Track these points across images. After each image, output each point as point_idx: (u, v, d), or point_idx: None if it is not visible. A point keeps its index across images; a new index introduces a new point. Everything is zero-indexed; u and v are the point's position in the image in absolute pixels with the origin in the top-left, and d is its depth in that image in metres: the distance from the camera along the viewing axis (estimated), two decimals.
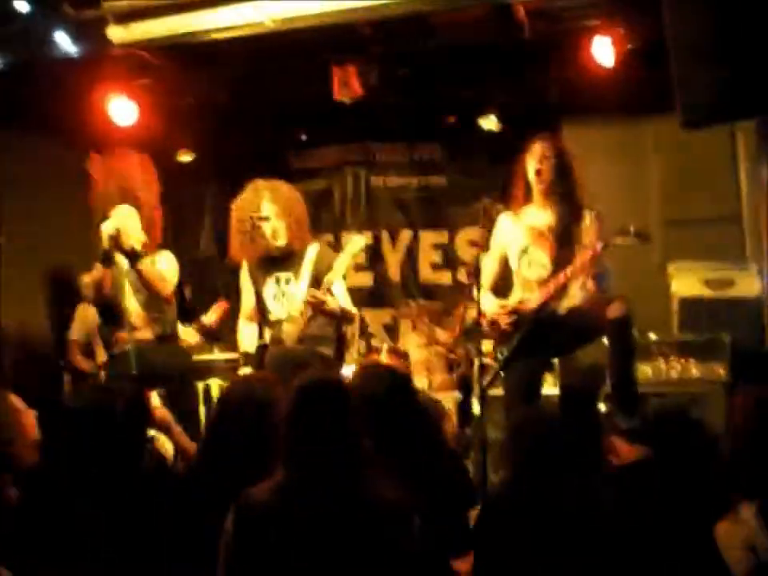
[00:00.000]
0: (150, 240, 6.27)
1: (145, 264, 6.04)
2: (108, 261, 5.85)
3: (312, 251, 6.22)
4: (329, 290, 6.01)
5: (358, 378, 4.12)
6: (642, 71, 7.17)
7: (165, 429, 4.72)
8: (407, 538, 3.03)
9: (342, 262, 6.02)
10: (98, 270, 6.02)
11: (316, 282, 6.08)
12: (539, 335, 5.60)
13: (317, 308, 5.96)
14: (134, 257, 5.96)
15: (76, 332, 7.61)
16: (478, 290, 5.53)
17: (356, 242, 6.12)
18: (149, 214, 6.33)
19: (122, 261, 6.02)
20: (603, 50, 7.06)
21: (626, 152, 8.20)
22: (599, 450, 4.55)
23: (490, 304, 5.77)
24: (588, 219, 5.62)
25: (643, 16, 6.77)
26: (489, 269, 5.89)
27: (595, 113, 8.13)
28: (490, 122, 8.58)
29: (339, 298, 6.18)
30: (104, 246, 5.86)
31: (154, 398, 5.05)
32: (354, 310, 6.38)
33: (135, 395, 3.67)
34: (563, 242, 5.61)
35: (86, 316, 7.53)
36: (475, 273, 5.60)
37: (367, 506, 3.03)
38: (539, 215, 5.74)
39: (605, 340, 5.73)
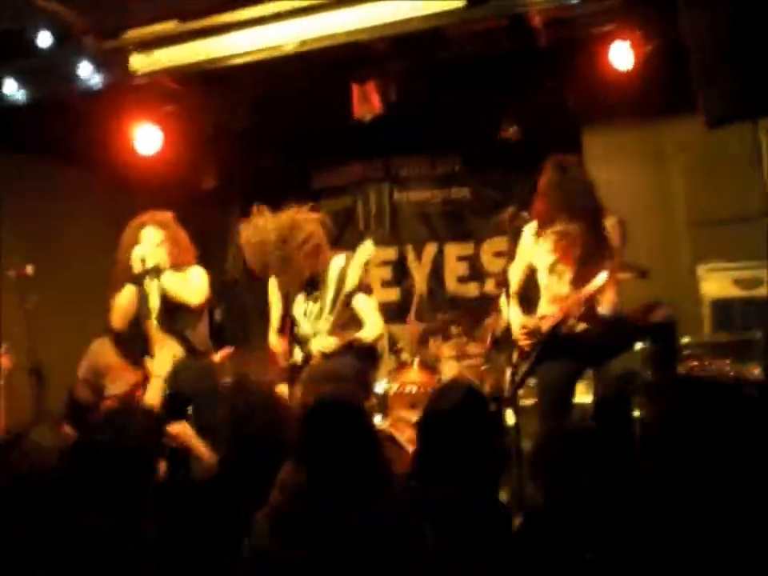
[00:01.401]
0: (180, 259, 6.29)
1: (173, 277, 6.07)
2: (139, 283, 5.90)
3: (336, 266, 6.24)
4: (348, 305, 6.04)
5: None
6: (661, 73, 7.15)
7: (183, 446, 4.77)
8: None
9: (355, 271, 6.04)
10: (129, 293, 6.07)
11: (338, 299, 6.11)
12: (561, 351, 5.62)
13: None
14: (159, 273, 6.01)
15: (82, 369, 7.64)
16: (507, 299, 5.56)
17: (365, 249, 6.13)
18: (174, 234, 6.35)
19: (149, 283, 6.07)
20: (620, 55, 7.07)
21: (649, 155, 8.19)
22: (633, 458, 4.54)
23: (514, 317, 5.80)
24: (609, 227, 5.61)
25: (659, 17, 6.79)
26: (515, 279, 5.91)
27: (616, 117, 8.12)
28: (509, 132, 8.57)
29: (363, 311, 6.19)
30: (135, 270, 5.92)
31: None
32: (377, 325, 6.35)
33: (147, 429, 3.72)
34: (587, 256, 5.61)
35: (97, 353, 7.59)
36: (504, 282, 5.62)
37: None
38: (563, 230, 5.73)
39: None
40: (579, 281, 5.59)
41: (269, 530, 3.13)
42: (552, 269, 5.76)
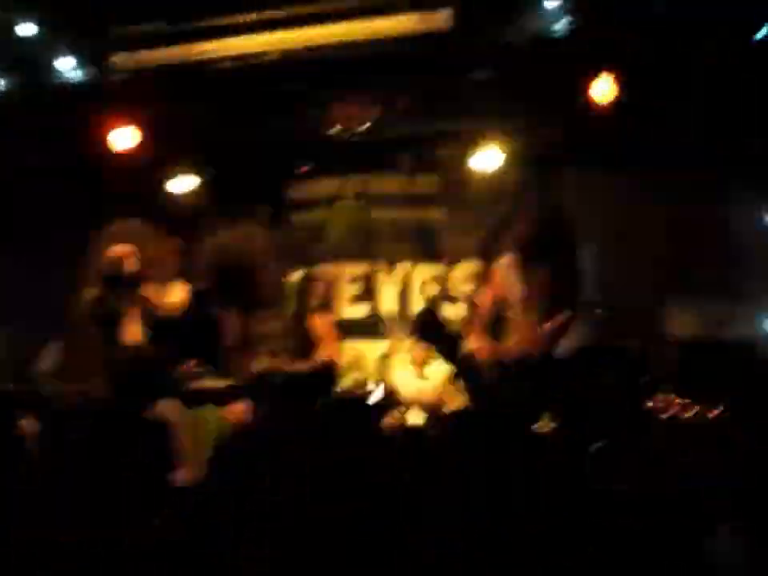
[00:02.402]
0: (159, 270, 6.23)
1: (148, 290, 5.99)
2: (111, 283, 5.82)
3: (294, 282, 6.21)
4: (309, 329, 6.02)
5: None
6: (644, 110, 7.19)
7: None
8: None
9: (317, 293, 6.04)
10: (98, 290, 5.98)
11: (299, 316, 6.09)
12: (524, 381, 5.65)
13: None
14: (135, 281, 5.92)
15: (43, 363, 7.58)
16: (477, 323, 5.57)
17: (329, 272, 6.14)
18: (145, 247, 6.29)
19: (124, 285, 5.98)
20: (604, 89, 7.10)
21: (626, 190, 8.19)
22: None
23: (480, 345, 5.82)
24: (585, 263, 5.65)
25: (644, 52, 6.83)
26: (485, 305, 5.93)
27: (594, 151, 8.12)
28: (487, 158, 8.57)
29: (320, 334, 6.17)
30: (107, 270, 5.85)
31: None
32: (333, 348, 6.33)
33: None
34: (557, 291, 5.64)
35: (55, 350, 7.56)
36: (473, 307, 5.64)
37: None
38: (538, 264, 5.75)
39: None
40: (549, 315, 5.61)
41: None
42: (522, 302, 5.78)
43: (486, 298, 6.01)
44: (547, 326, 5.58)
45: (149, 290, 6.02)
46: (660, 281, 7.73)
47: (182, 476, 4.46)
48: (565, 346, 5.59)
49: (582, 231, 5.81)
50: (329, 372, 6.28)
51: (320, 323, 6.08)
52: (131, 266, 5.81)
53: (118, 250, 5.77)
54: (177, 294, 6.26)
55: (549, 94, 7.52)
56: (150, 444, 5.09)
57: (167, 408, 4.94)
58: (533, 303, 5.75)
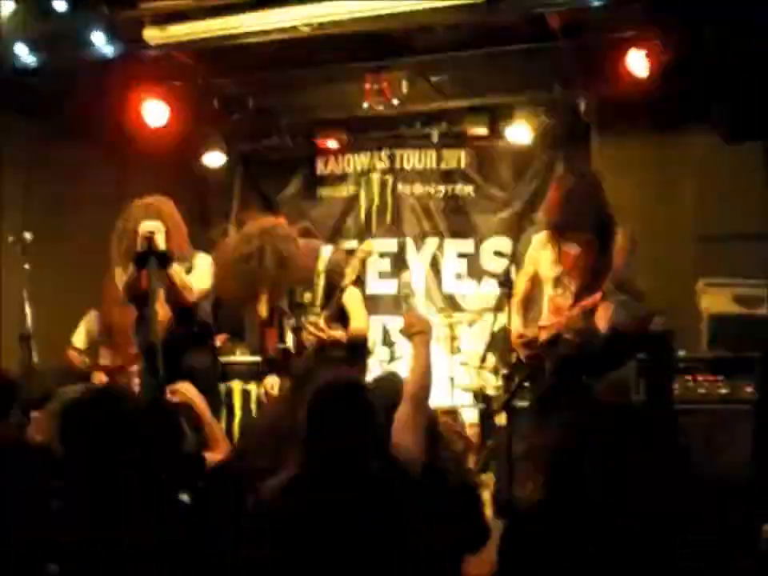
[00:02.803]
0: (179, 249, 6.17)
1: (175, 270, 5.93)
2: (142, 262, 5.76)
3: (324, 257, 6.16)
4: (339, 300, 5.97)
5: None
6: (677, 85, 7.11)
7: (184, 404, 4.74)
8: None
9: (354, 267, 5.97)
10: (131, 271, 5.95)
11: (330, 287, 6.04)
12: (557, 361, 5.63)
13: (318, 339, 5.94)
14: (165, 260, 5.85)
15: (78, 336, 7.62)
16: (508, 301, 5.54)
17: (366, 247, 6.08)
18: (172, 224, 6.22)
19: (154, 263, 5.90)
20: (638, 63, 7.02)
21: (659, 166, 8.13)
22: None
23: (514, 325, 5.78)
24: (619, 240, 5.58)
25: (680, 28, 6.75)
26: (520, 287, 5.90)
27: (628, 126, 8.07)
28: (518, 132, 8.54)
29: (352, 305, 6.12)
30: (138, 248, 5.79)
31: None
32: (363, 320, 6.28)
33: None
34: (593, 271, 5.58)
35: (92, 323, 7.58)
36: (506, 284, 5.61)
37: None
38: (574, 243, 5.69)
39: None
40: (583, 294, 5.57)
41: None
42: (557, 281, 5.75)
43: (519, 276, 5.96)
44: (581, 305, 5.53)
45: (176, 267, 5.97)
46: (694, 256, 7.68)
47: (214, 456, 4.42)
48: (599, 325, 5.54)
49: (616, 207, 5.73)
50: (361, 344, 6.25)
51: (351, 298, 6.04)
52: (161, 242, 5.77)
53: (149, 226, 5.72)
54: (203, 272, 6.21)
55: (582, 66, 7.48)
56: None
57: (188, 388, 4.90)
58: (566, 281, 5.71)
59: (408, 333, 3.91)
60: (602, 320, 5.55)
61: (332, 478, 3.10)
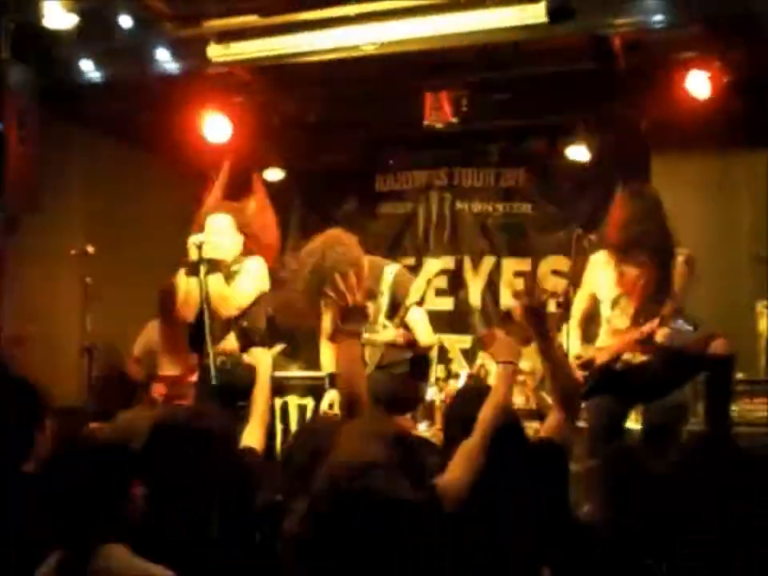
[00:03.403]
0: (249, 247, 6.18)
1: (216, 278, 5.93)
2: (194, 271, 5.83)
3: (389, 274, 6.14)
4: (403, 318, 5.96)
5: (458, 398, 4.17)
6: (736, 105, 7.09)
7: None
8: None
9: (418, 287, 5.97)
10: (181, 281, 6.00)
11: (393, 306, 6.04)
12: (615, 384, 5.61)
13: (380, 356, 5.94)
14: (214, 267, 5.89)
15: (138, 347, 7.65)
16: (566, 321, 5.54)
17: (431, 268, 6.08)
18: (245, 222, 6.24)
19: (200, 269, 5.92)
20: (698, 83, 7.00)
21: (717, 186, 8.09)
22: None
23: (572, 346, 5.78)
24: (680, 262, 5.56)
25: (740, 49, 6.73)
26: (579, 307, 5.89)
27: (687, 146, 8.03)
28: (578, 151, 8.52)
29: (416, 324, 6.11)
30: (191, 257, 5.85)
31: None
32: (431, 336, 6.29)
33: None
34: (653, 293, 5.56)
35: (151, 333, 7.62)
36: (564, 305, 5.60)
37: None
38: (635, 265, 5.67)
39: None
40: (641, 316, 5.55)
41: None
42: (616, 302, 5.73)
43: (577, 296, 5.95)
44: (641, 330, 5.51)
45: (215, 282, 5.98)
46: (752, 278, 7.62)
47: (250, 438, 4.38)
48: (658, 347, 5.52)
49: (675, 227, 5.70)
50: (423, 361, 6.25)
51: (416, 316, 6.04)
52: (210, 253, 5.82)
53: (198, 237, 5.80)
54: (255, 275, 6.20)
55: (642, 86, 7.46)
56: None
57: (262, 357, 4.90)
58: (624, 303, 5.69)
59: (497, 359, 3.84)
60: (661, 338, 5.53)
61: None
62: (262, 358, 4.87)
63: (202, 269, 5.74)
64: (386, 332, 5.97)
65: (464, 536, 3.29)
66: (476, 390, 4.32)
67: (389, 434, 3.14)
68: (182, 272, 6.00)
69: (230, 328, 6.01)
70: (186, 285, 6.01)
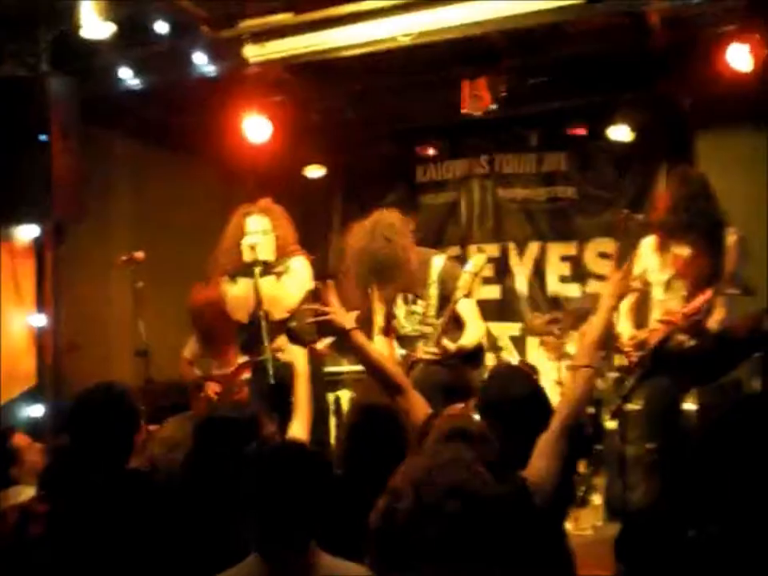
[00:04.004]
0: (286, 248, 6.22)
1: (270, 280, 5.98)
2: (248, 273, 5.88)
3: (437, 266, 6.12)
4: (451, 314, 5.93)
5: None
6: None
7: None
8: None
9: (465, 281, 5.94)
10: (243, 284, 6.05)
11: (442, 298, 6.01)
12: (669, 365, 5.57)
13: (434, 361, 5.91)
14: (267, 267, 5.95)
15: (188, 350, 7.68)
16: (620, 306, 5.50)
17: (477, 261, 6.04)
18: (280, 223, 6.28)
19: (257, 274, 5.96)
20: (739, 57, 6.90)
21: (763, 162, 7.98)
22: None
23: (624, 328, 5.75)
24: (730, 241, 5.51)
25: None
26: (630, 287, 5.84)
27: (731, 122, 7.93)
28: (620, 132, 8.45)
29: (468, 315, 6.08)
30: (246, 259, 5.90)
31: None
32: (480, 329, 6.26)
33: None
34: (705, 272, 5.52)
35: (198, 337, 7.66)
36: (614, 288, 5.56)
37: None
38: (686, 248, 5.63)
39: None
40: (694, 297, 5.51)
41: None
42: (668, 285, 5.69)
43: (629, 279, 5.90)
44: (692, 306, 5.46)
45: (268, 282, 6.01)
46: None
47: (296, 431, 4.40)
48: (712, 326, 5.47)
49: (724, 204, 5.65)
50: (477, 351, 6.22)
51: (466, 307, 6.00)
52: (263, 254, 5.88)
53: (255, 225, 5.87)
54: (300, 276, 6.24)
55: (683, 63, 7.39)
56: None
57: (297, 353, 4.92)
58: (677, 285, 5.65)
59: (576, 365, 3.84)
60: (716, 321, 5.49)
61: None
62: (298, 354, 4.90)
63: (257, 270, 5.80)
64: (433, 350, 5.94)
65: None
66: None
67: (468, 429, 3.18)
68: (225, 278, 6.08)
69: (281, 329, 6.04)
70: (234, 289, 6.08)
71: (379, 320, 6.21)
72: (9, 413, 6.69)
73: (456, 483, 2.48)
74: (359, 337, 4.38)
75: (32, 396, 6.93)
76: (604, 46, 7.29)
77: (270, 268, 6.00)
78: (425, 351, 5.82)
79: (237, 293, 6.11)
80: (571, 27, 7.10)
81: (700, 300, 5.42)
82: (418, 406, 4.15)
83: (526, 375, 4.20)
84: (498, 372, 4.61)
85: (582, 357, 3.77)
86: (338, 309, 4.37)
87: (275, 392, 5.51)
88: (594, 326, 3.75)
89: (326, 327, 5.35)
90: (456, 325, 6.00)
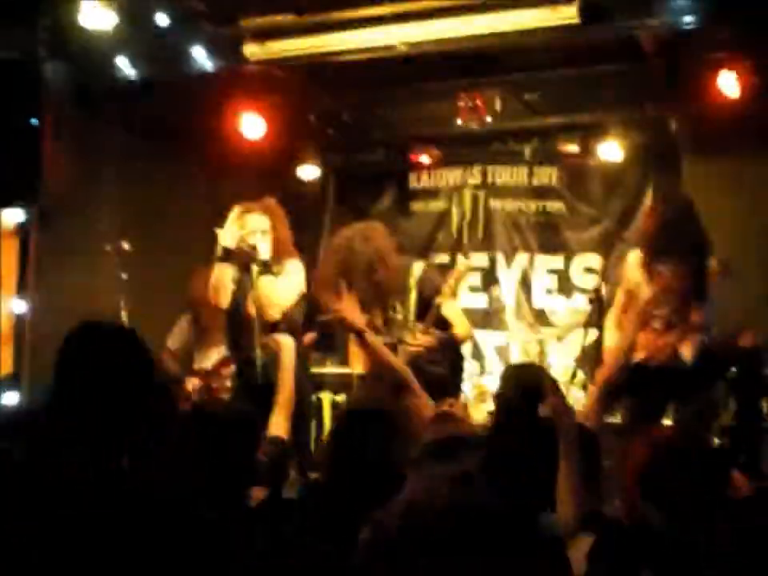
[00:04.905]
0: (282, 249, 6.28)
1: (268, 280, 6.04)
2: (245, 268, 5.93)
3: (417, 272, 6.21)
4: (435, 318, 6.00)
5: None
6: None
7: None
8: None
9: (450, 287, 6.01)
10: (228, 272, 6.09)
11: (421, 304, 6.09)
12: (649, 381, 5.65)
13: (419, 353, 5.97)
14: (264, 269, 6.01)
15: (172, 341, 7.68)
16: (598, 318, 5.58)
17: (462, 268, 6.12)
18: (278, 223, 6.33)
19: (253, 268, 6.00)
20: (729, 84, 7.01)
21: (750, 186, 8.06)
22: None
23: (609, 341, 5.83)
24: (713, 267, 5.61)
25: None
26: (617, 302, 5.93)
27: (719, 146, 8.00)
28: (610, 151, 8.54)
29: (453, 317, 6.17)
30: (241, 254, 5.95)
31: None
32: (467, 328, 6.35)
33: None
34: (685, 293, 5.60)
35: (185, 327, 7.67)
36: (596, 300, 5.65)
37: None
38: (665, 262, 5.71)
39: None
40: (676, 315, 5.58)
41: None
42: (649, 302, 5.76)
43: (618, 292, 5.98)
44: (668, 342, 5.55)
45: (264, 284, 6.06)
46: None
47: (279, 428, 4.42)
48: (685, 352, 5.57)
49: (710, 227, 5.74)
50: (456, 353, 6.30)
51: (450, 308, 6.09)
52: (263, 251, 5.94)
53: (256, 225, 5.94)
54: (294, 279, 6.29)
55: (673, 86, 7.48)
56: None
57: (284, 341, 4.95)
58: (659, 304, 5.71)
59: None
60: (688, 349, 5.58)
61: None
62: (284, 343, 4.93)
63: (255, 269, 5.87)
64: (418, 339, 6.01)
65: None
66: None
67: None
68: (226, 267, 6.11)
69: (269, 329, 6.09)
70: (218, 272, 6.10)
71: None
72: None
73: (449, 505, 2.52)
74: (371, 337, 4.45)
75: (8, 384, 6.82)
76: (597, 65, 7.37)
77: (268, 268, 6.05)
78: (413, 343, 5.91)
79: (222, 277, 6.13)
80: (567, 46, 7.18)
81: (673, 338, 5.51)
82: (426, 406, 4.21)
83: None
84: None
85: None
86: (352, 309, 4.44)
87: (261, 390, 5.55)
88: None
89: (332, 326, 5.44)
90: (441, 327, 6.10)
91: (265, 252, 6.02)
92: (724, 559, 3.14)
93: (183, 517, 2.86)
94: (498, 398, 4.25)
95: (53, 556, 2.54)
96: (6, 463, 2.80)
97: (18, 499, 2.65)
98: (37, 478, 2.67)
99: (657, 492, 3.38)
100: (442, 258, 9.54)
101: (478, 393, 8.10)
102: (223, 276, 6.06)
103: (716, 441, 6.08)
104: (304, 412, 6.13)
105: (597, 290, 5.96)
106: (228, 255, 6.00)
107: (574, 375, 7.57)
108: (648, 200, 8.62)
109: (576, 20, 6.12)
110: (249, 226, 6.08)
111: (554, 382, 3.78)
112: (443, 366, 6.14)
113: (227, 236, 6.01)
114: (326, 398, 8.18)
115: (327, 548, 3.00)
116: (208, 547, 2.90)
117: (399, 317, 6.16)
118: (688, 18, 6.15)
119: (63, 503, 2.61)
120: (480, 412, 7.64)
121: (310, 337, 7.19)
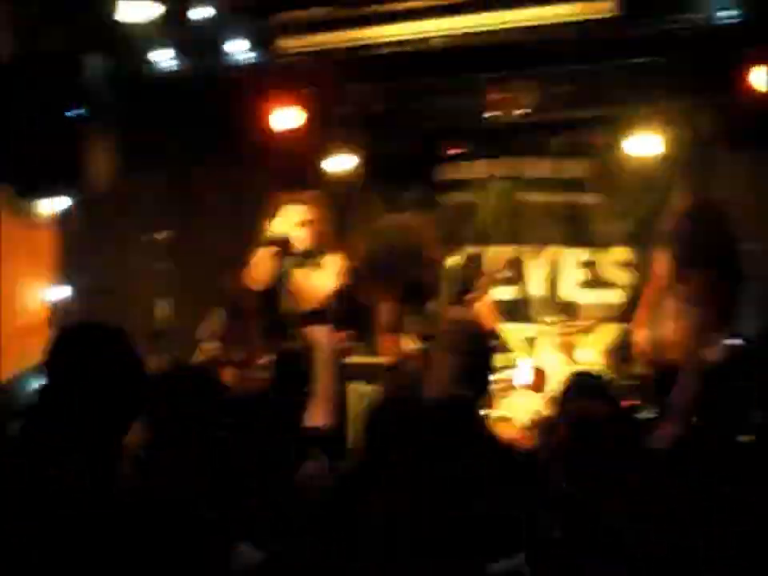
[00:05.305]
0: (321, 241, 6.32)
1: (305, 272, 6.10)
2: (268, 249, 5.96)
3: (450, 265, 6.24)
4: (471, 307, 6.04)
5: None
6: None
7: None
8: None
9: (483, 285, 6.04)
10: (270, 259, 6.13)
11: (456, 298, 6.12)
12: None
13: None
14: (304, 259, 6.05)
15: (204, 333, 7.71)
16: (631, 311, 5.60)
17: (493, 262, 6.16)
18: (319, 216, 6.36)
19: (291, 259, 6.05)
20: (763, 78, 7.01)
21: None
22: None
23: (641, 337, 5.84)
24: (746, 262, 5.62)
25: None
26: (646, 298, 5.94)
27: (752, 139, 7.99)
28: (642, 143, 8.53)
29: (482, 312, 6.19)
30: (269, 235, 6.00)
31: None
32: (497, 323, 6.38)
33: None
34: (713, 300, 5.61)
35: (217, 320, 7.69)
36: (630, 295, 5.66)
37: None
38: (696, 264, 5.71)
39: None
40: (701, 322, 5.58)
41: None
42: (680, 302, 5.77)
43: (647, 287, 6.00)
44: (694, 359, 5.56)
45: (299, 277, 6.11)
46: None
47: (316, 418, 4.47)
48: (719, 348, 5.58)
49: (742, 221, 5.74)
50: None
51: (481, 306, 6.12)
52: (302, 242, 5.99)
53: (297, 230, 5.98)
54: (329, 273, 6.33)
55: (707, 80, 7.47)
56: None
57: (320, 333, 5.01)
58: (689, 305, 5.72)
59: None
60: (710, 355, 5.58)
61: None
62: (320, 336, 4.98)
63: (293, 260, 5.93)
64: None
65: None
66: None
67: None
68: (258, 250, 6.15)
69: (304, 321, 6.13)
70: (258, 260, 6.15)
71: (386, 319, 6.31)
72: (16, 386, 6.74)
73: None
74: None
75: (41, 371, 6.88)
76: (630, 58, 7.37)
77: (306, 259, 6.10)
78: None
79: (262, 264, 6.16)
80: (599, 39, 7.19)
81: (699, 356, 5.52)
82: None
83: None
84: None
85: None
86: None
87: (298, 380, 5.60)
88: None
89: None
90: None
91: (304, 243, 6.06)
92: None
93: (183, 517, 2.95)
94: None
95: (52, 556, 2.60)
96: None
97: (16, 499, 2.70)
98: (32, 477, 2.73)
99: None
100: (470, 251, 9.53)
101: (503, 386, 8.09)
102: (263, 264, 6.10)
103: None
104: (338, 403, 6.19)
105: (629, 284, 5.94)
106: (268, 244, 6.05)
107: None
108: (679, 196, 8.60)
109: (612, 13, 6.13)
110: (291, 217, 6.13)
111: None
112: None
113: (269, 226, 6.06)
114: (352, 388, 8.20)
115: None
116: (208, 547, 3.01)
117: (431, 308, 6.20)
118: (725, 12, 6.15)
119: (60, 503, 2.67)
120: (505, 405, 7.63)
121: (342, 337, 7.26)
